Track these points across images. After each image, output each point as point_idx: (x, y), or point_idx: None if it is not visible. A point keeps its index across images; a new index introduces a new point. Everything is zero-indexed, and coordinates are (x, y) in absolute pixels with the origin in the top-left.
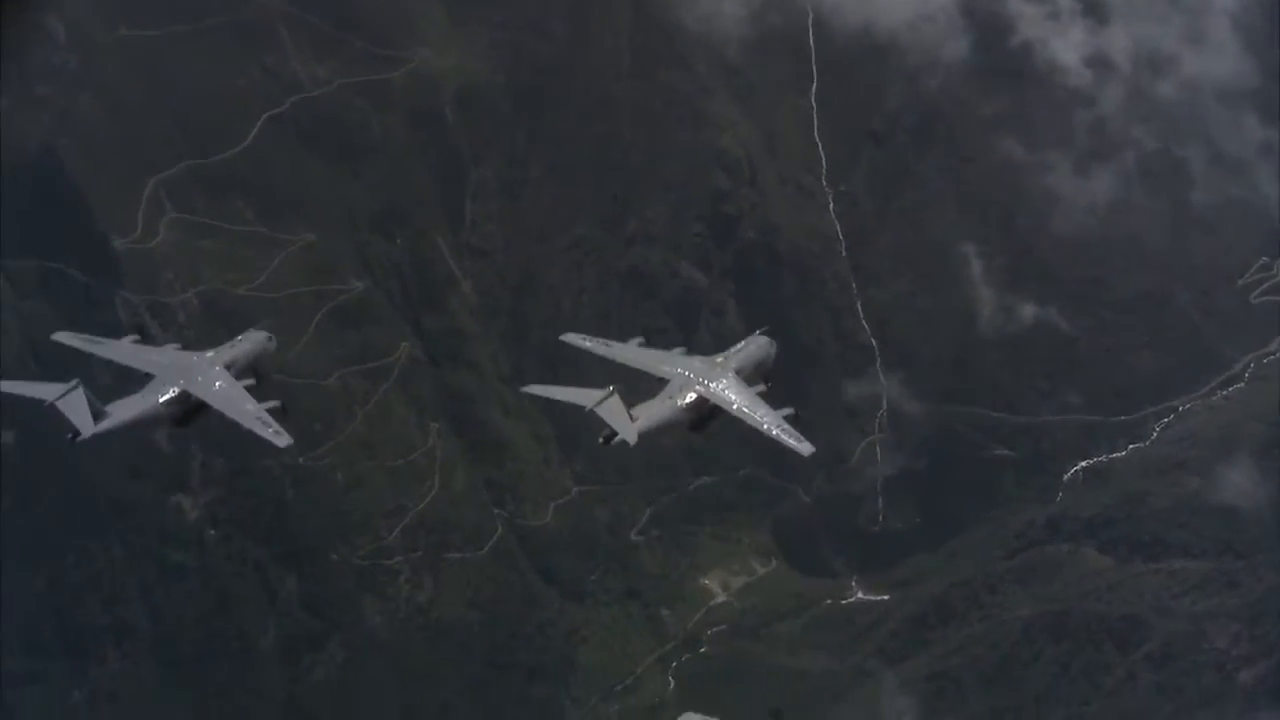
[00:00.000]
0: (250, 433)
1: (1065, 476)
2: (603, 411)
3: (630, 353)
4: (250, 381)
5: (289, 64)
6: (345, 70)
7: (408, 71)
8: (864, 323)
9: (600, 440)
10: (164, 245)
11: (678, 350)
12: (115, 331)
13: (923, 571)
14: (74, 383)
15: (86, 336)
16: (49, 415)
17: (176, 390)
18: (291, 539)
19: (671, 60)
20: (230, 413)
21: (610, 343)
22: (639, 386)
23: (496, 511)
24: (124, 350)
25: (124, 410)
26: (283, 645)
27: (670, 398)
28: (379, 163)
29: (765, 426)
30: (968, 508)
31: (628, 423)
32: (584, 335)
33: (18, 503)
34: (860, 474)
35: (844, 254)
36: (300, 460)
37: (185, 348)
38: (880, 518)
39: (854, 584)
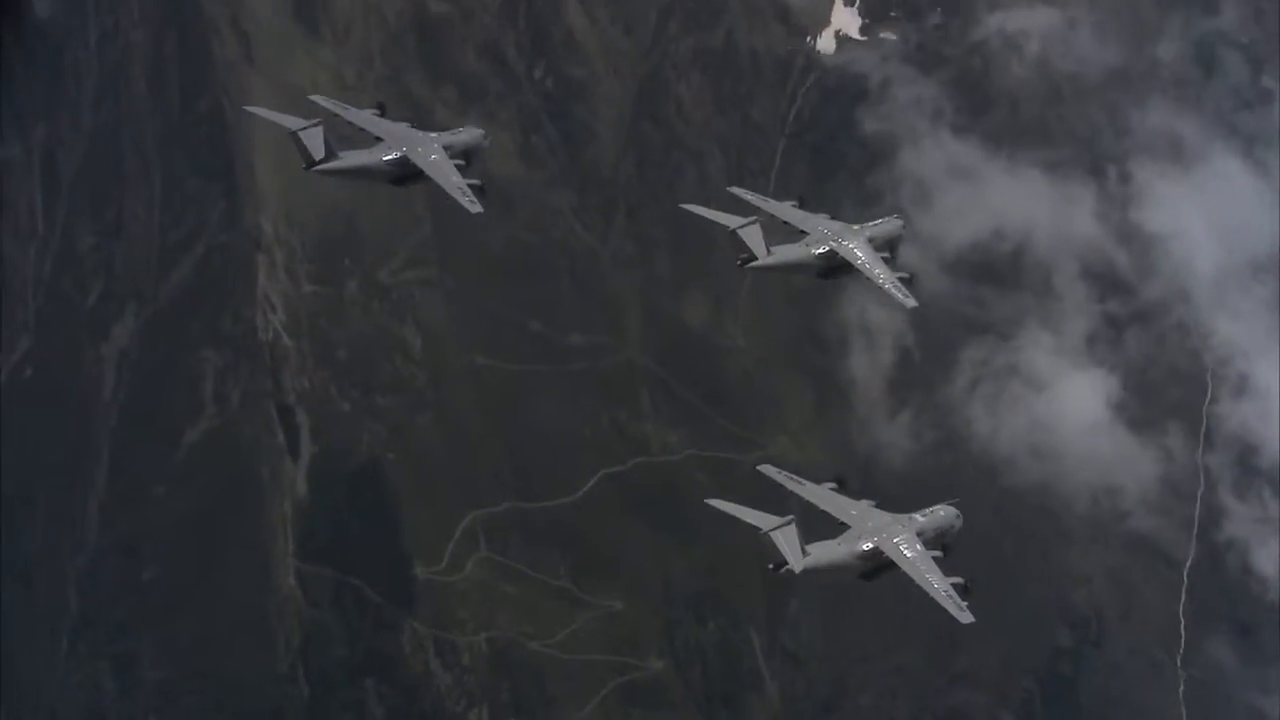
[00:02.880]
0: None
1: None
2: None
3: (784, 210)
4: (461, 163)
5: (641, 424)
6: (696, 442)
7: (760, 457)
8: None
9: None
10: (467, 582)
11: (823, 214)
12: (392, 670)
13: None
14: (316, 120)
15: (335, 101)
16: None
17: (399, 154)
18: None
19: (1032, 504)
20: (438, 179)
21: (768, 199)
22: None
23: None
24: (363, 117)
25: (352, 158)
26: None
27: (806, 245)
28: (709, 543)
29: (881, 280)
30: None
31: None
32: (747, 192)
33: None
34: None
35: None
36: None
37: (414, 127)
38: None
39: None
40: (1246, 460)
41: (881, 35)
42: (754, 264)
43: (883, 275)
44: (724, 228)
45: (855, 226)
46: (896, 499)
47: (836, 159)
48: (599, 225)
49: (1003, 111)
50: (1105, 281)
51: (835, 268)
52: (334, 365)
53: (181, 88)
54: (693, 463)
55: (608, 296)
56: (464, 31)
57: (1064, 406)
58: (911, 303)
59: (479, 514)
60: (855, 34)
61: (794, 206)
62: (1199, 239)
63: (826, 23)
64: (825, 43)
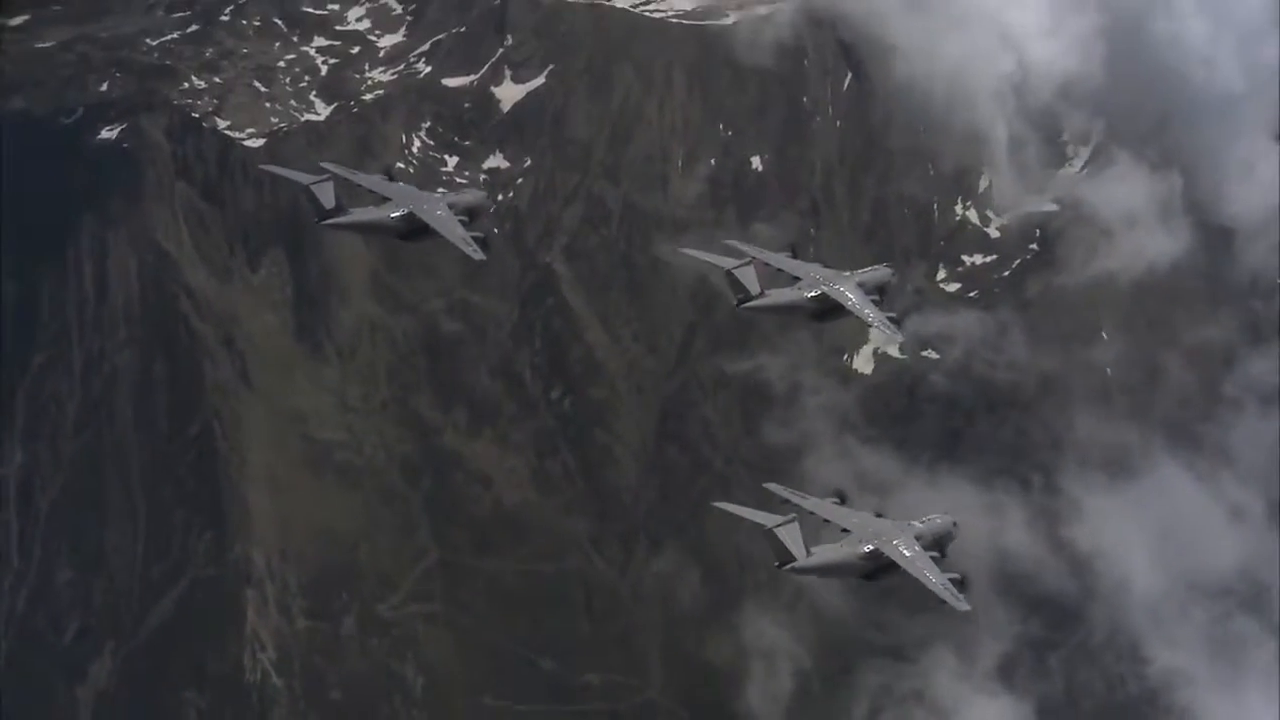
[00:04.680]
0: None
1: None
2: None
3: (779, 259)
4: (465, 219)
5: None
6: None
7: None
8: None
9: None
10: None
11: (815, 263)
12: None
13: None
14: (327, 175)
15: (348, 169)
16: None
17: (405, 211)
18: None
19: None
20: (444, 232)
21: (763, 250)
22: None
23: None
24: (374, 181)
25: (361, 214)
26: None
27: (799, 290)
28: None
29: (870, 319)
30: None
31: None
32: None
33: None
34: None
35: None
36: None
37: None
38: None
39: None
40: None
41: (923, 353)
42: (749, 304)
43: (872, 315)
44: (720, 273)
45: (846, 273)
46: None
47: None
48: (618, 556)
49: (923, 419)
50: (1028, 601)
51: (827, 310)
52: (327, 707)
53: (170, 413)
54: None
55: (627, 633)
56: (477, 351)
57: None
58: (899, 338)
59: None
60: (895, 352)
61: (788, 256)
62: (1136, 557)
63: (864, 340)
64: (862, 362)
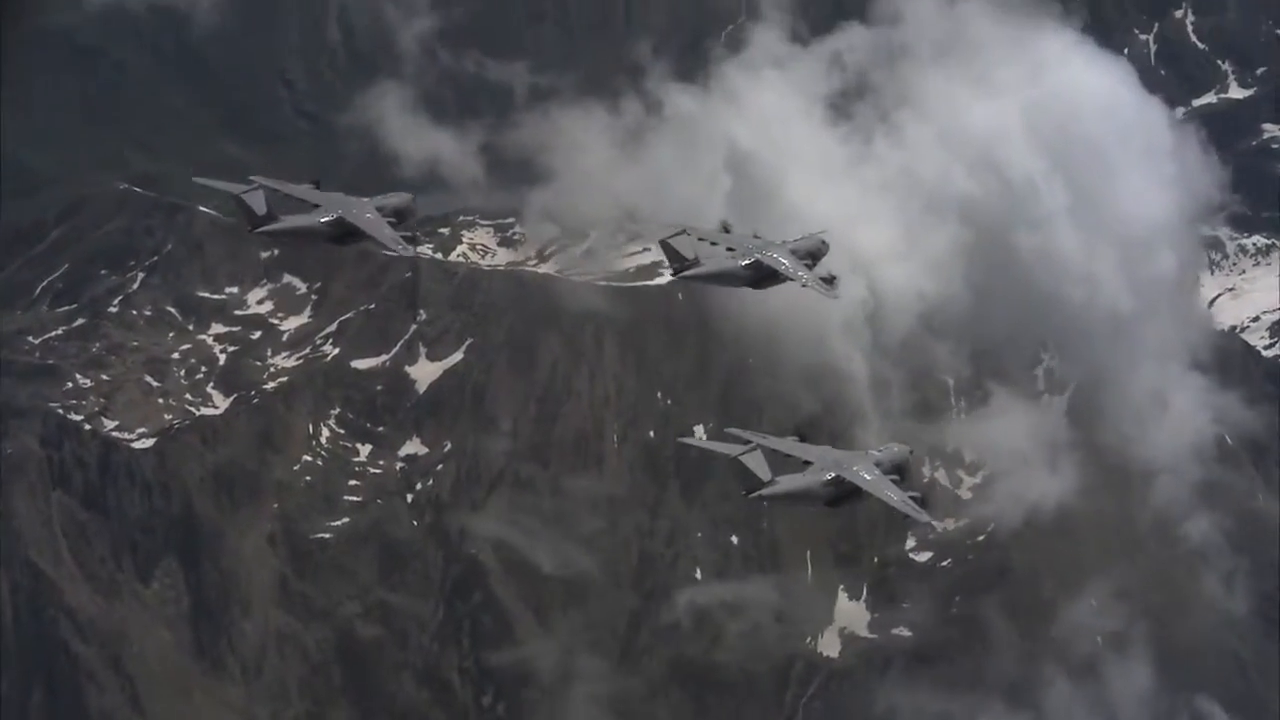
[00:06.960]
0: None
1: None
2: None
3: (711, 232)
4: (393, 220)
5: None
6: None
7: None
8: None
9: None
10: None
11: (749, 232)
12: None
13: None
14: (255, 185)
15: (276, 180)
16: None
17: (335, 215)
18: None
19: None
20: (372, 232)
21: (697, 227)
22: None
23: None
24: (302, 190)
25: (291, 220)
26: None
27: (734, 259)
28: None
29: (804, 280)
30: None
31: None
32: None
33: None
34: None
35: None
36: None
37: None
38: None
39: None
40: None
41: (894, 631)
42: (685, 273)
43: (805, 276)
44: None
45: (778, 240)
46: None
47: None
48: None
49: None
50: None
51: (762, 278)
52: None
53: None
54: None
55: None
56: (399, 656)
57: None
58: (835, 295)
59: None
60: (864, 630)
61: (720, 230)
62: None
63: (829, 621)
64: (828, 643)
